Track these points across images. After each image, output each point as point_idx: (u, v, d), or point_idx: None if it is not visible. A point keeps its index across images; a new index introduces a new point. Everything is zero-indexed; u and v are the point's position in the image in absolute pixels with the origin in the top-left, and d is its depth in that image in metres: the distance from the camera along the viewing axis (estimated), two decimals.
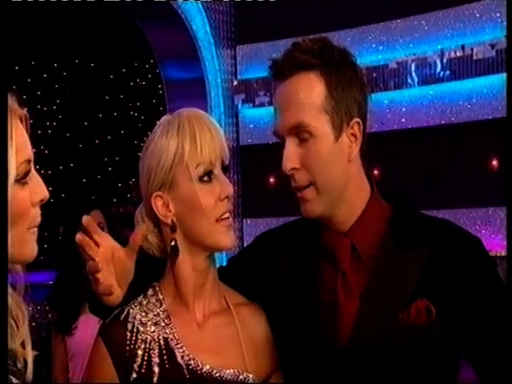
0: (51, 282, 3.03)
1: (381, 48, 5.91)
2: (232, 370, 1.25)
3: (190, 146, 1.23)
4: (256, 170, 6.38)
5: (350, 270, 1.28)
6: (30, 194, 0.93)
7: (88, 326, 2.55)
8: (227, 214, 1.25)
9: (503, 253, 5.08)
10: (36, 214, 0.94)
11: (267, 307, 1.33)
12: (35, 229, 0.95)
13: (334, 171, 1.27)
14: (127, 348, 1.23)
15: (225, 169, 1.28)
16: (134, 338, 1.24)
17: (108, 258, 1.23)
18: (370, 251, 1.29)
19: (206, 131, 1.25)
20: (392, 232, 1.29)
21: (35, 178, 0.94)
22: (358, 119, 1.28)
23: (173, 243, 1.26)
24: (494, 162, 5.27)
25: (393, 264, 1.27)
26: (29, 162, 0.92)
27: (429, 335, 1.22)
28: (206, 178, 1.24)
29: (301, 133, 1.26)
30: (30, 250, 0.95)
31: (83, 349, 2.51)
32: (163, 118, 1.30)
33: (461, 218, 5.17)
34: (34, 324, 5.36)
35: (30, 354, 0.94)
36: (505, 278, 1.26)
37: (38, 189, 0.94)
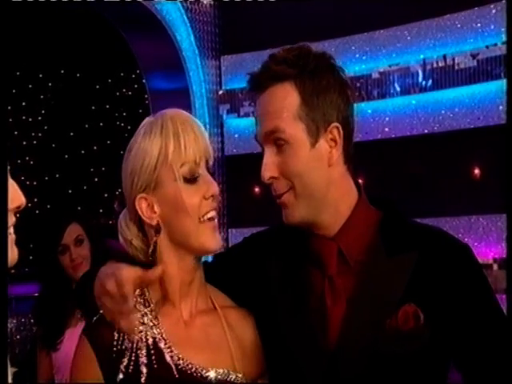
0: (36, 295, 3.01)
1: (364, 58, 5.95)
2: (221, 370, 1.25)
3: (174, 145, 1.24)
4: (241, 180, 6.38)
5: (336, 275, 1.29)
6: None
7: (73, 340, 2.53)
8: (212, 213, 1.26)
9: (486, 260, 5.12)
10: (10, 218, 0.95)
11: (255, 310, 1.34)
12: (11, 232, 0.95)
13: (313, 177, 1.27)
14: (114, 349, 1.23)
15: (208, 169, 1.28)
16: (121, 338, 1.24)
17: None
18: (357, 256, 1.30)
19: (189, 131, 1.26)
20: (380, 237, 1.30)
21: (11, 186, 0.95)
22: (337, 124, 1.28)
23: (151, 248, 1.26)
24: (476, 171, 5.32)
25: (381, 269, 1.28)
26: None
27: (416, 340, 1.23)
28: (190, 178, 1.24)
29: (277, 140, 1.28)
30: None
31: (69, 363, 2.48)
32: (146, 120, 1.32)
33: (444, 227, 5.19)
34: (18, 337, 5.31)
35: (9, 372, 0.94)
36: (494, 284, 1.27)
37: (13, 195, 0.95)
